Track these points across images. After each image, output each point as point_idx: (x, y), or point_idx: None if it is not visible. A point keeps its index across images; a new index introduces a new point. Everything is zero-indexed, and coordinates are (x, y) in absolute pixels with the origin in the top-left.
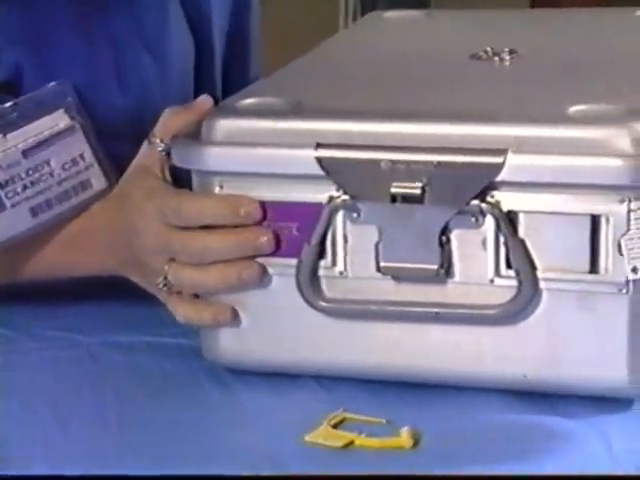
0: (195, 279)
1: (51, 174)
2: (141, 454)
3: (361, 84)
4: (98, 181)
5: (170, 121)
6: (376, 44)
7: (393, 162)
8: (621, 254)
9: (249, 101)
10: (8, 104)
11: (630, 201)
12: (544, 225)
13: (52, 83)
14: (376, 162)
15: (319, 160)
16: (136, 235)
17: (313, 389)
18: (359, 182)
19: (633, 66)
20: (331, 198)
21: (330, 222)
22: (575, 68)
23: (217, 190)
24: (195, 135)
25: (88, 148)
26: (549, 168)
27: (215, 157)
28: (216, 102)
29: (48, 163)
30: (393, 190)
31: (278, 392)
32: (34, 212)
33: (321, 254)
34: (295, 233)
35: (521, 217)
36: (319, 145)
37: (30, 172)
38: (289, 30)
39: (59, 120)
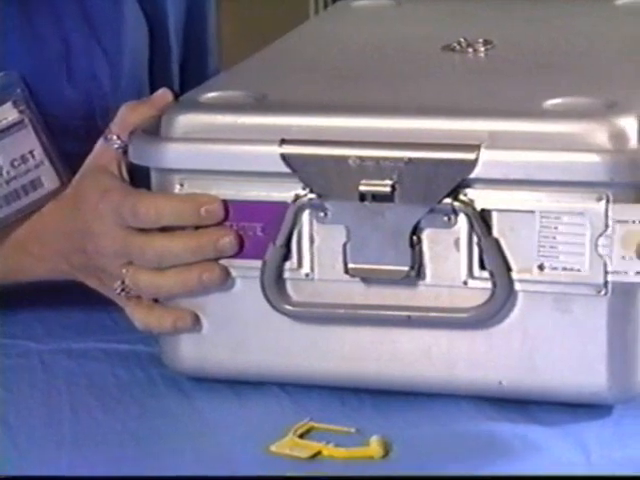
0: (154, 283)
1: None
2: (95, 470)
3: (328, 77)
4: (50, 180)
5: (127, 116)
6: (344, 34)
7: (361, 159)
8: (599, 254)
9: (210, 95)
10: None
11: (608, 199)
12: (519, 224)
13: None
14: (344, 159)
15: (284, 157)
16: (91, 238)
17: (278, 397)
18: (326, 180)
19: (611, 58)
20: (297, 197)
21: (296, 222)
22: (551, 60)
23: (177, 189)
24: (154, 131)
25: (38, 144)
26: (524, 164)
27: (175, 154)
28: (175, 97)
29: None
30: (362, 188)
31: (241, 401)
32: None
33: (286, 255)
34: (259, 233)
35: (495, 216)
36: (284, 141)
37: None
38: (257, 20)
39: (7, 114)
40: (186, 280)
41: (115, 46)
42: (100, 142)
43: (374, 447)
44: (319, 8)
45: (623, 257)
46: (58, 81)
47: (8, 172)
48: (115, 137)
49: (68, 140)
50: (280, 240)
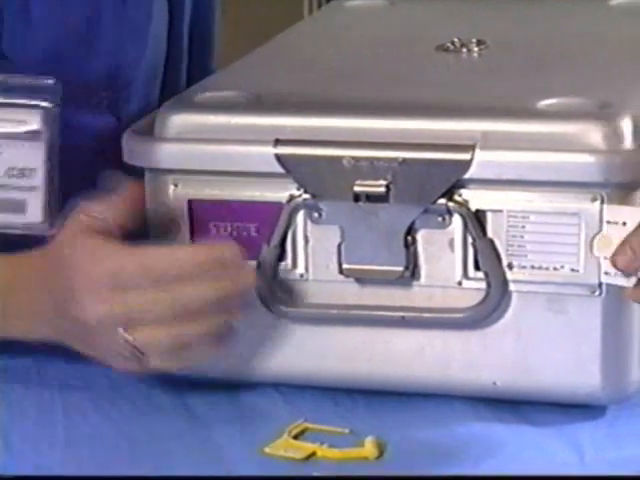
0: (174, 335)
1: None
2: (88, 471)
3: (322, 77)
4: (33, 213)
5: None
6: (338, 34)
7: (356, 159)
8: (593, 255)
9: (204, 95)
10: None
11: (603, 199)
12: (513, 224)
13: (49, 78)
14: (338, 159)
15: (278, 157)
16: (78, 306)
17: (273, 398)
18: (320, 180)
19: (605, 58)
20: (291, 197)
21: (290, 222)
22: (545, 60)
23: (171, 189)
24: (147, 131)
25: (43, 169)
26: (518, 165)
27: (168, 154)
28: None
29: None
30: (356, 188)
31: (235, 402)
32: None
33: (281, 256)
34: (254, 234)
35: (489, 216)
36: (278, 141)
37: None
38: (251, 19)
39: (30, 118)
40: (212, 326)
41: (142, 22)
42: (74, 215)
43: (369, 448)
44: (313, 8)
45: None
46: (86, 48)
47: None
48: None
49: (87, 112)
50: (274, 240)
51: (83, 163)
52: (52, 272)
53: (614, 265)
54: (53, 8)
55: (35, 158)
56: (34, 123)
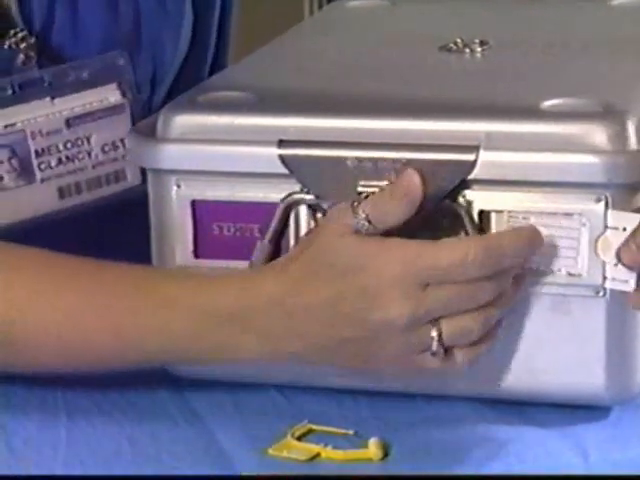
0: (481, 320)
1: (89, 153)
2: (91, 471)
3: (324, 77)
4: (133, 174)
5: (384, 202)
6: (340, 35)
7: (359, 160)
8: (597, 255)
9: (207, 95)
10: (66, 65)
11: (607, 200)
12: (517, 225)
13: (112, 52)
14: (342, 160)
15: (282, 158)
16: (382, 309)
17: (276, 400)
18: (324, 181)
19: (608, 58)
20: (288, 195)
21: (286, 220)
22: (549, 60)
23: (174, 190)
24: (150, 131)
25: None
26: (522, 165)
27: (171, 154)
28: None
29: (88, 140)
30: (360, 189)
31: (238, 403)
32: (62, 193)
33: (275, 253)
34: (257, 234)
35: (493, 217)
36: (282, 142)
37: (68, 145)
38: (252, 20)
39: (110, 94)
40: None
41: (178, 18)
42: (342, 209)
43: (373, 449)
44: (314, 8)
45: (615, 264)
46: (131, 44)
47: (96, 155)
48: (364, 216)
49: None
50: (268, 237)
51: None
52: (319, 281)
53: (620, 260)
54: (100, 5)
55: (123, 128)
56: (114, 97)
